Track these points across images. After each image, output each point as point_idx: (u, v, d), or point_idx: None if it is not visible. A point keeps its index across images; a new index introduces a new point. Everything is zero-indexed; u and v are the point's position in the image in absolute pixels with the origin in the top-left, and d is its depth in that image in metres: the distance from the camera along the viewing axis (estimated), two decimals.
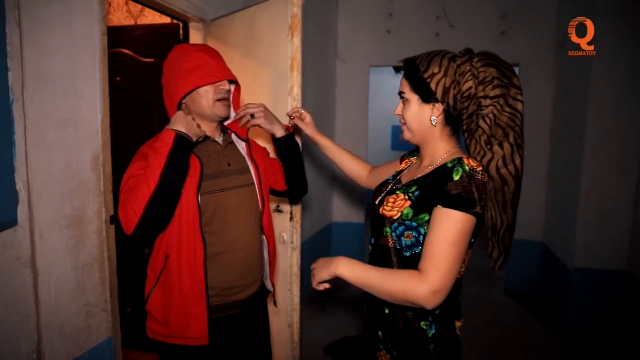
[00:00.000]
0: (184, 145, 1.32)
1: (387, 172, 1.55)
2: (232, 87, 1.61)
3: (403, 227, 1.17)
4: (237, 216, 1.50)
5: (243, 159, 1.60)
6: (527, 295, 4.30)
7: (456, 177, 1.09)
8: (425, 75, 1.17)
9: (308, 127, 1.74)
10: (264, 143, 1.98)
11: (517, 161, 1.15)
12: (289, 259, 2.22)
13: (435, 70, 1.16)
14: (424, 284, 1.06)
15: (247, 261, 1.54)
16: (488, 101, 1.13)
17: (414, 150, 1.45)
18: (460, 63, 1.15)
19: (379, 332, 1.28)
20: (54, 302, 1.53)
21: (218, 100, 1.47)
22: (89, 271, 1.68)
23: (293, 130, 1.78)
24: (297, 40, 2.06)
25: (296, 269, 2.23)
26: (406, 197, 1.19)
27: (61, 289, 1.56)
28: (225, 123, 1.66)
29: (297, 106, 1.74)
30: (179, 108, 1.47)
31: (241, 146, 1.64)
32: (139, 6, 3.08)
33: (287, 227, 2.20)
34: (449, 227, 1.07)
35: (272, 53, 2.19)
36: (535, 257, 4.30)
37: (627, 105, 3.16)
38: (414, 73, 1.21)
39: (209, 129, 1.53)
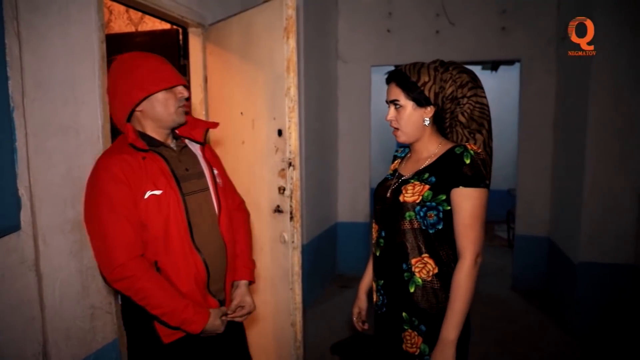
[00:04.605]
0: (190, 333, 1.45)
1: None
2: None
3: (425, 208, 1.37)
4: (199, 220, 1.51)
5: (198, 164, 1.60)
6: (533, 290, 4.28)
7: (468, 161, 1.32)
8: (419, 84, 1.40)
9: (365, 300, 1.71)
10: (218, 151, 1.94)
11: (491, 143, 1.46)
12: (290, 259, 2.24)
13: (426, 79, 1.40)
14: (467, 260, 1.31)
15: (213, 266, 1.53)
16: (465, 100, 1.42)
17: (398, 151, 1.75)
18: (443, 71, 1.41)
19: (403, 314, 1.43)
20: (59, 305, 1.57)
21: (179, 107, 1.48)
22: (93, 274, 1.72)
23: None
24: (292, 42, 2.09)
25: (297, 268, 2.25)
26: (422, 183, 1.39)
27: (66, 292, 1.59)
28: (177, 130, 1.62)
29: (357, 325, 1.70)
30: (129, 118, 1.49)
31: (195, 149, 1.63)
32: (140, 13, 3.12)
33: (288, 227, 2.23)
34: (473, 204, 1.32)
35: (268, 55, 2.22)
36: (542, 253, 4.28)
37: (628, 99, 3.14)
38: (406, 82, 1.41)
39: (162, 136, 1.53)
